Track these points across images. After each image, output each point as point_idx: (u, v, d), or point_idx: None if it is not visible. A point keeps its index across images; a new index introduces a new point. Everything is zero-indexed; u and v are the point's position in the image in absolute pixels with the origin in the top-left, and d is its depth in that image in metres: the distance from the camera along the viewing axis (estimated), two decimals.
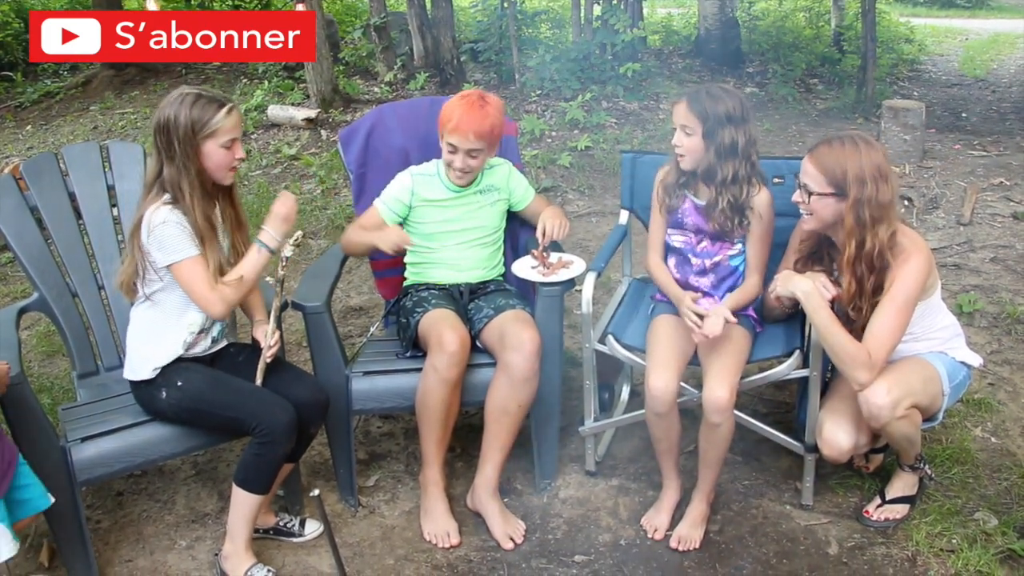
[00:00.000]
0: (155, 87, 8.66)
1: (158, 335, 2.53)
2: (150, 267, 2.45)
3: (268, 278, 2.55)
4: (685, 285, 2.85)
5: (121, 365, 2.59)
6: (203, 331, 2.58)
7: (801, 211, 2.54)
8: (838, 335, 2.41)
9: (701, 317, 2.63)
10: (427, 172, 3.00)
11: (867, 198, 2.39)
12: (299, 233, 2.50)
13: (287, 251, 2.46)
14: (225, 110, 2.44)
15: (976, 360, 2.70)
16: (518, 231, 3.21)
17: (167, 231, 2.40)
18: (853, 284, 2.47)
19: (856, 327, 2.50)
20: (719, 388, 2.54)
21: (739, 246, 2.79)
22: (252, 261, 2.50)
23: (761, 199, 2.73)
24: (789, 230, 2.80)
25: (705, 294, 2.82)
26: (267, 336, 2.55)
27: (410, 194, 2.97)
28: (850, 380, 2.44)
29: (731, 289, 2.82)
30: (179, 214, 2.42)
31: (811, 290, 2.45)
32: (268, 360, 2.56)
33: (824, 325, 2.43)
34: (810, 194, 2.47)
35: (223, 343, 2.67)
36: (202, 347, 2.59)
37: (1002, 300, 4.14)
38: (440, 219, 2.98)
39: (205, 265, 2.44)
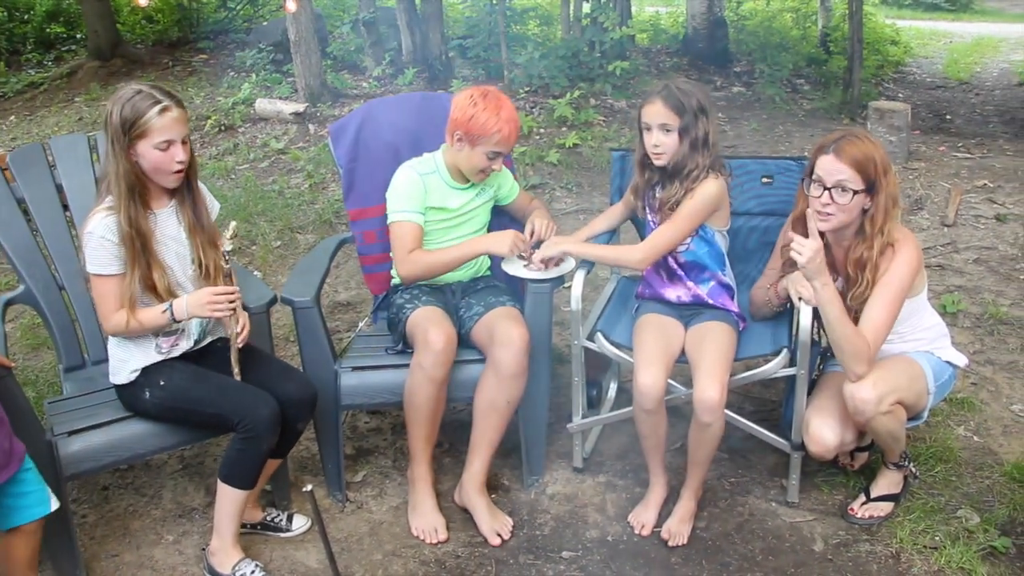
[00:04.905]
0: (141, 79, 8.58)
1: (129, 338, 2.50)
2: None
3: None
4: (660, 299, 2.88)
5: (107, 359, 2.57)
6: (174, 333, 2.53)
7: (828, 212, 2.46)
8: (848, 327, 2.42)
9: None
10: (428, 170, 2.93)
11: (889, 190, 2.43)
12: (233, 224, 2.46)
13: (226, 246, 2.43)
14: (158, 108, 2.33)
15: (962, 360, 2.72)
16: (507, 228, 3.21)
17: (91, 242, 2.37)
18: (856, 279, 2.50)
19: None
20: (710, 388, 2.55)
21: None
22: (153, 316, 2.43)
23: (707, 185, 2.68)
24: (776, 230, 2.82)
25: (687, 304, 2.86)
26: (231, 324, 2.50)
27: (425, 194, 2.90)
28: (848, 372, 2.45)
29: (711, 281, 2.82)
30: (111, 223, 2.37)
31: (826, 281, 2.42)
32: (239, 346, 2.50)
33: (836, 317, 2.42)
34: (854, 193, 2.43)
35: (208, 340, 2.64)
36: (183, 347, 2.57)
37: (985, 301, 4.18)
38: (439, 218, 2.95)
39: (117, 285, 2.39)
